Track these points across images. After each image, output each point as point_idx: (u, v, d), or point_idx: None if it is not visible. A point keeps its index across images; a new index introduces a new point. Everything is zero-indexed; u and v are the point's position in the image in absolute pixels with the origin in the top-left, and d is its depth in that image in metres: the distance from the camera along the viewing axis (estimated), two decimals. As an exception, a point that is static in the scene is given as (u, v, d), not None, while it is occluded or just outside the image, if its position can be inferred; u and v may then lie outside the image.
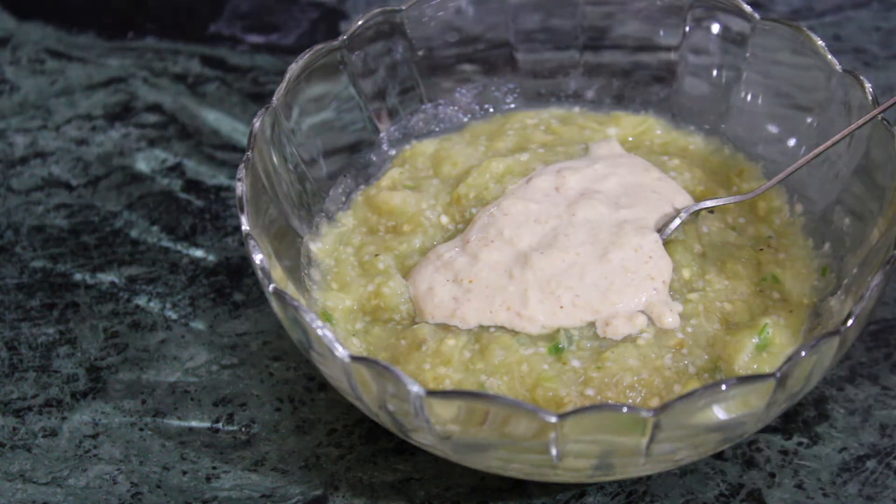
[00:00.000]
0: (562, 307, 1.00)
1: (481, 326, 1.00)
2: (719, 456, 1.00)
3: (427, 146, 1.16)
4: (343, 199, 1.13)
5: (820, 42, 1.07)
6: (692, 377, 0.97)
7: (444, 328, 1.01)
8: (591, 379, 0.96)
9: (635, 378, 0.96)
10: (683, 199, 1.08)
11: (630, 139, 1.17)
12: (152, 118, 1.35)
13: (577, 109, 1.20)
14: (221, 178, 1.27)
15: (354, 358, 0.88)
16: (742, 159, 1.14)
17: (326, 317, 1.03)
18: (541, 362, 0.97)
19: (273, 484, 1.00)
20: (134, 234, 1.21)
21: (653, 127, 1.17)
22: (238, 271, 1.17)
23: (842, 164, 1.05)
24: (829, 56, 1.07)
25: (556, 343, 0.98)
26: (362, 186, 1.14)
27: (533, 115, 1.20)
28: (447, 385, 0.96)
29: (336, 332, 1.02)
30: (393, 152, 1.17)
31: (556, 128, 1.17)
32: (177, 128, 1.33)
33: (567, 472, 0.91)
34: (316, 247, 1.08)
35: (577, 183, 1.08)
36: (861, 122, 1.01)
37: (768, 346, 0.98)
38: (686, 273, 1.03)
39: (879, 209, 0.99)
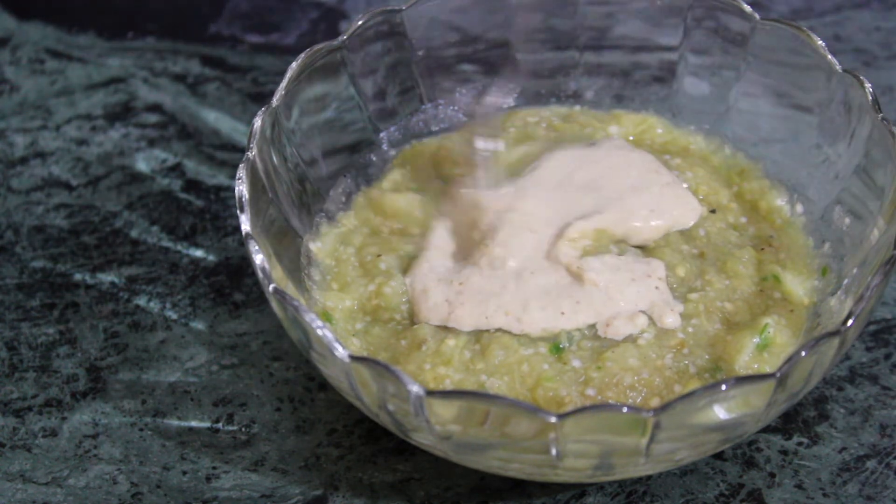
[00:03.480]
0: (563, 313, 1.00)
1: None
2: (719, 456, 1.00)
3: (428, 145, 1.16)
4: (343, 199, 1.13)
5: (820, 42, 1.07)
6: (693, 377, 0.97)
7: (445, 329, 1.01)
8: (591, 379, 0.96)
9: (636, 378, 0.96)
10: (674, 207, 1.08)
11: (631, 138, 1.17)
12: (152, 118, 1.35)
13: (578, 108, 1.21)
14: (221, 178, 1.27)
15: (354, 358, 0.88)
16: (742, 158, 1.14)
17: (326, 317, 1.03)
18: (541, 362, 0.97)
19: (273, 484, 1.00)
20: (134, 234, 1.21)
21: (654, 126, 1.17)
22: (238, 271, 1.17)
23: (842, 164, 1.05)
24: (829, 56, 1.07)
25: (556, 343, 0.98)
26: (363, 187, 1.14)
27: (534, 113, 1.20)
28: (447, 385, 0.96)
29: (336, 331, 1.02)
30: (393, 153, 1.16)
31: (557, 125, 1.17)
32: (177, 128, 1.33)
33: (567, 472, 0.91)
34: (316, 247, 1.08)
35: (579, 178, 1.08)
36: None
37: (769, 345, 0.98)
38: (681, 271, 1.03)
39: (879, 209, 0.99)
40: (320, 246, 1.08)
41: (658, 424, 0.84)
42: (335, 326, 1.02)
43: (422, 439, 0.91)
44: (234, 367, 1.09)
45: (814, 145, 1.08)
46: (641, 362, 0.96)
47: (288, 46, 1.45)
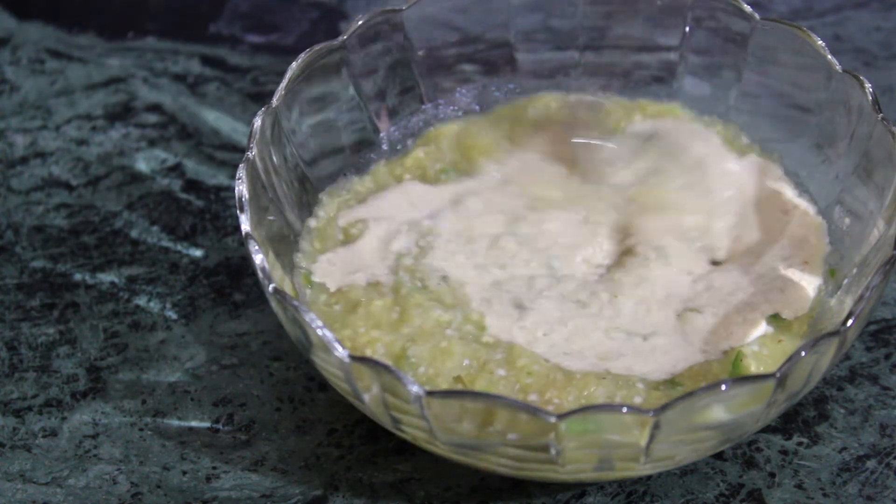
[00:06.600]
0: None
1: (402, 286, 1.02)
2: (719, 456, 1.00)
3: (450, 128, 1.16)
4: (344, 194, 1.13)
5: (820, 42, 1.07)
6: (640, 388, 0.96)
7: (374, 286, 1.02)
8: (527, 386, 0.95)
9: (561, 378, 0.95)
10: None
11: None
12: (152, 118, 1.35)
13: (600, 93, 1.19)
14: (221, 178, 1.27)
15: (354, 358, 0.88)
16: (758, 151, 1.13)
17: (307, 280, 1.03)
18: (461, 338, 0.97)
19: (273, 484, 1.00)
20: (134, 234, 1.21)
21: (677, 114, 1.17)
22: (238, 271, 1.17)
23: (842, 164, 1.05)
24: (829, 56, 1.07)
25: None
26: (384, 159, 1.14)
27: (558, 98, 1.19)
28: (379, 349, 0.96)
29: (314, 294, 1.02)
30: (394, 155, 1.16)
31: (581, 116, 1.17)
32: (177, 128, 1.34)
33: (567, 472, 0.91)
34: (314, 222, 1.08)
35: None
36: None
37: (742, 372, 0.96)
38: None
39: (879, 209, 0.99)
40: (322, 215, 1.09)
41: (658, 424, 0.84)
42: (315, 292, 1.03)
43: (421, 438, 0.91)
44: (234, 367, 1.09)
45: (814, 145, 1.08)
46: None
47: (288, 46, 1.45)
